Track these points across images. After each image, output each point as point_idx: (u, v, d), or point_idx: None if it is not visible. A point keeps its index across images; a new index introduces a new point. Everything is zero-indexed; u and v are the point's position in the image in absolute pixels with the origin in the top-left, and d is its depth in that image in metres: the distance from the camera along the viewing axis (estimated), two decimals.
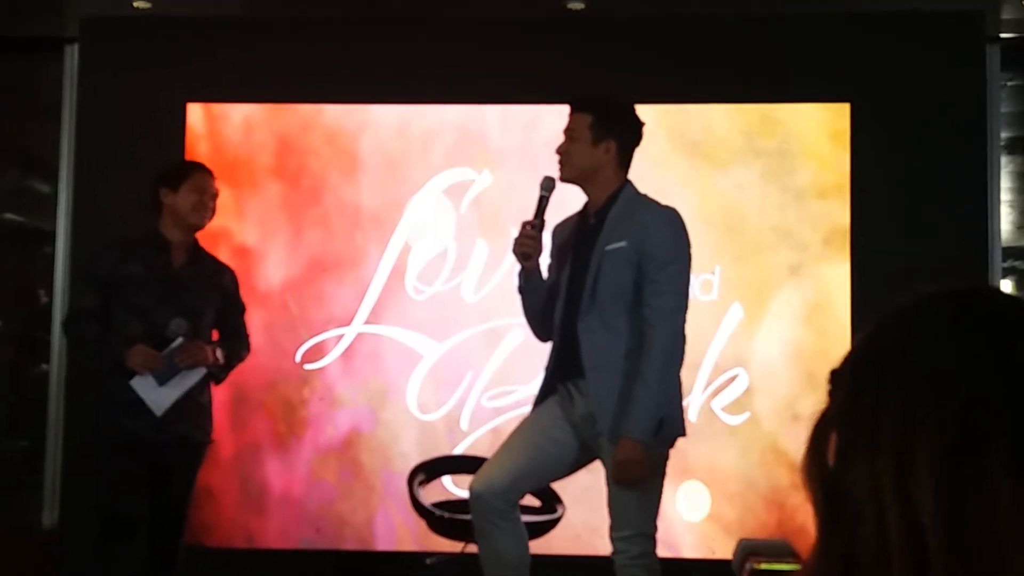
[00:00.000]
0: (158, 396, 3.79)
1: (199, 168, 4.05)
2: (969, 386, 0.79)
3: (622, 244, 3.38)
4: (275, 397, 4.84)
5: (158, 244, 3.96)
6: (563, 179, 3.51)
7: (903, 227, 4.64)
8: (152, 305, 3.86)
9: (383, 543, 4.75)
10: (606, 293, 3.38)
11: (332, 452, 4.81)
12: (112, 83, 4.95)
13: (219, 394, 4.75)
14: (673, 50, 4.82)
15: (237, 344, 4.06)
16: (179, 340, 3.81)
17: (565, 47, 4.84)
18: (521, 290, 3.55)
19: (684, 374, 3.46)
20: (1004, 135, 5.09)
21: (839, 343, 4.53)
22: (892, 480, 0.79)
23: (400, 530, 4.75)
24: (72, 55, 5.16)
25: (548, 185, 3.48)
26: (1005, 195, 5.10)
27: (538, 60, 4.81)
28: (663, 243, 3.39)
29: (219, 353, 3.92)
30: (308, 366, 4.84)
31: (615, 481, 3.33)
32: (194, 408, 3.90)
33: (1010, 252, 5.14)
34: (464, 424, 4.78)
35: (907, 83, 4.73)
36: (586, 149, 3.45)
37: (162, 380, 3.80)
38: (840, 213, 4.72)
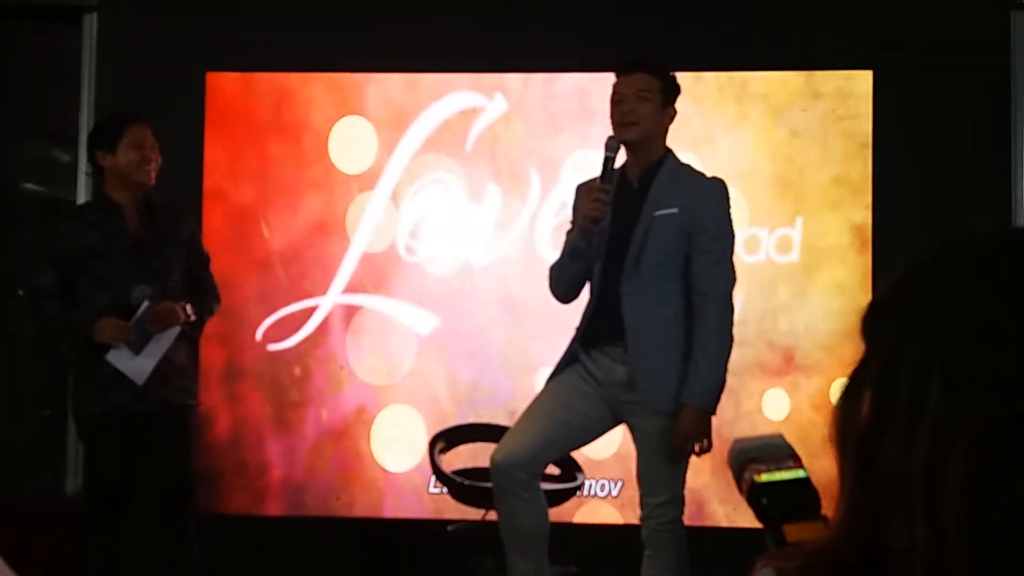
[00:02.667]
0: (136, 365, 3.78)
1: (133, 122, 3.89)
2: (1015, 391, 0.75)
3: (673, 211, 3.39)
4: (269, 371, 4.69)
5: (108, 209, 3.87)
6: (630, 139, 3.48)
7: (925, 195, 4.60)
8: (115, 274, 3.81)
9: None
10: (652, 259, 3.39)
11: (333, 431, 4.64)
12: (131, 52, 4.94)
13: (217, 365, 4.74)
14: (690, 19, 4.78)
15: (206, 297, 4.00)
16: (145, 305, 3.78)
17: (582, 18, 4.80)
18: (576, 255, 3.48)
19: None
20: None
21: None
22: (923, 470, 0.76)
23: (411, 513, 4.68)
24: (91, 24, 5.15)
25: (613, 146, 3.46)
26: None
27: (558, 29, 4.78)
28: (716, 214, 3.43)
29: (189, 309, 3.87)
30: (272, 346, 4.62)
31: (674, 446, 3.37)
32: (174, 371, 3.87)
33: None
34: (474, 408, 4.56)
35: (930, 50, 4.69)
36: (657, 112, 3.48)
37: (137, 348, 3.78)
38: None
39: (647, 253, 3.40)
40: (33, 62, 5.49)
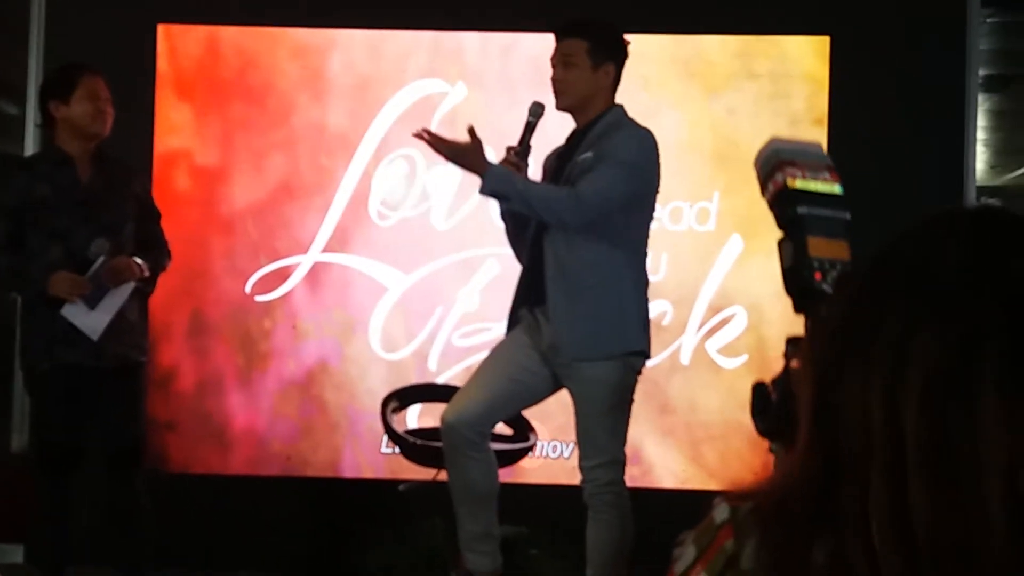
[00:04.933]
0: (91, 320, 3.73)
1: (87, 72, 3.86)
2: (969, 305, 0.79)
3: (588, 155, 3.39)
4: (235, 328, 4.69)
5: (60, 161, 3.82)
6: (561, 107, 3.50)
7: (879, 163, 4.63)
8: (68, 227, 3.75)
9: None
10: None
11: (294, 388, 4.67)
12: (81, 3, 4.86)
13: (180, 322, 4.72)
14: None
15: (159, 252, 3.97)
16: (101, 259, 3.72)
17: None
18: (503, 216, 3.54)
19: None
20: (981, 72, 5.07)
21: None
22: (881, 392, 0.79)
23: (365, 470, 4.69)
24: None
25: (536, 111, 3.46)
26: (980, 134, 5.11)
27: None
28: (618, 148, 3.39)
29: (144, 265, 3.84)
30: (260, 297, 4.67)
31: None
32: (128, 327, 3.83)
33: (984, 191, 5.16)
34: (433, 364, 4.61)
35: (887, 17, 4.71)
36: (587, 76, 3.45)
37: (92, 303, 3.73)
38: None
39: None
40: None
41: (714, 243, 4.59)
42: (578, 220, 3.33)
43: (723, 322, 4.55)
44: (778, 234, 4.51)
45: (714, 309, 4.57)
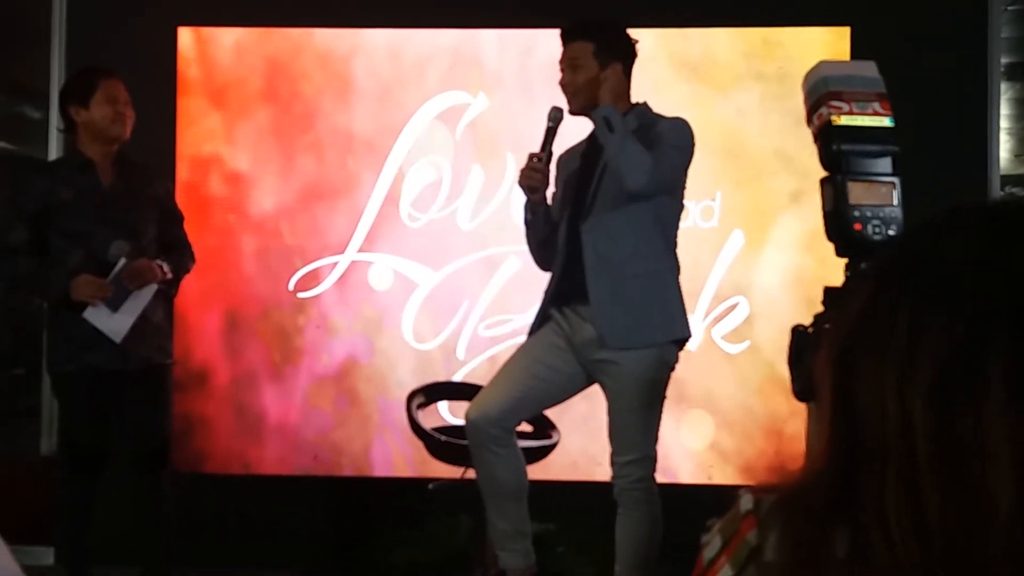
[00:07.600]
0: (114, 323, 3.74)
1: (106, 76, 3.87)
2: (977, 297, 0.79)
3: None
4: (269, 326, 4.78)
5: (81, 165, 3.84)
6: (574, 111, 3.49)
7: (902, 154, 4.59)
8: (89, 231, 3.76)
9: (380, 471, 4.77)
10: (608, 194, 3.40)
11: (328, 381, 4.77)
12: (102, 7, 4.88)
13: (213, 322, 4.77)
14: None
15: (181, 255, 3.98)
16: (122, 262, 3.73)
17: None
18: (527, 223, 3.53)
19: (685, 302, 3.49)
20: (1004, 61, 5.03)
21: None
22: (894, 384, 0.80)
23: (396, 459, 4.75)
24: None
25: (556, 116, 3.45)
26: (1004, 122, 5.06)
27: None
28: (669, 134, 3.42)
29: (165, 267, 3.85)
30: (301, 294, 4.78)
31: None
32: (151, 329, 3.84)
33: (1008, 179, 5.12)
34: (460, 354, 4.73)
35: (908, 7, 4.68)
36: (594, 76, 3.46)
37: (114, 306, 3.73)
38: None
39: (602, 189, 3.42)
40: (2, 17, 5.41)
41: (718, 238, 4.68)
42: (647, 188, 3.31)
43: (727, 311, 4.68)
44: (774, 231, 4.60)
45: (719, 299, 4.69)
